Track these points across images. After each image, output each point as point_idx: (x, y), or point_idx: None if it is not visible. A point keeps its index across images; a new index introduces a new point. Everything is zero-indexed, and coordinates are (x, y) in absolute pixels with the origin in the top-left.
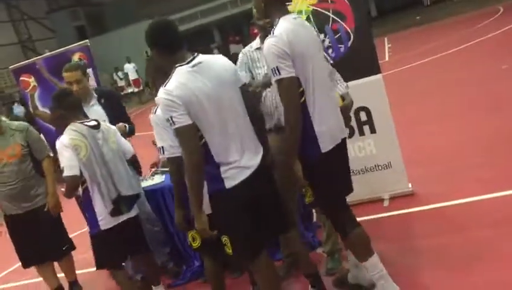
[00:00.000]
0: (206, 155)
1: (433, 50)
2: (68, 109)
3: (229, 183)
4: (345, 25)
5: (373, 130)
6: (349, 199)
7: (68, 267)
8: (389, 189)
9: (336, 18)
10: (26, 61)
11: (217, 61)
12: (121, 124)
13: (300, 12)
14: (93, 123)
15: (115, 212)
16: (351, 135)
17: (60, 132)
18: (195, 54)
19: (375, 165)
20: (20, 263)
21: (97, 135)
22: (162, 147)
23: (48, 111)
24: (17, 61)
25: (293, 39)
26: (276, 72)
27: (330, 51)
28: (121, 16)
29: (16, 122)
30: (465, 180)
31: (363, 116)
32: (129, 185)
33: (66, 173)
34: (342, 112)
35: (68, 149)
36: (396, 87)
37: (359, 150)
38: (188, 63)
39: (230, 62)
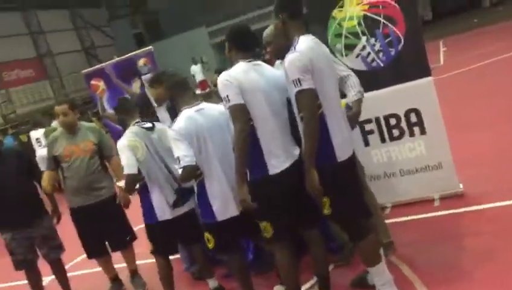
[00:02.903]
0: (252, 139)
1: (490, 54)
2: (124, 113)
3: (272, 171)
4: (395, 29)
5: (423, 132)
6: (400, 197)
7: (131, 257)
8: (439, 189)
9: (386, 22)
10: (97, 66)
11: (273, 69)
12: None
13: (351, 17)
14: (149, 125)
15: (176, 203)
16: (402, 135)
17: (123, 132)
18: (255, 58)
19: (425, 166)
20: (83, 256)
21: (152, 135)
22: (178, 157)
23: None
24: (81, 68)
25: (313, 56)
26: (298, 83)
27: (381, 54)
28: (176, 23)
29: (88, 124)
30: None
31: (413, 117)
32: None
33: (125, 171)
34: (349, 119)
35: (126, 150)
36: (449, 91)
37: (409, 151)
38: (249, 61)
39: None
